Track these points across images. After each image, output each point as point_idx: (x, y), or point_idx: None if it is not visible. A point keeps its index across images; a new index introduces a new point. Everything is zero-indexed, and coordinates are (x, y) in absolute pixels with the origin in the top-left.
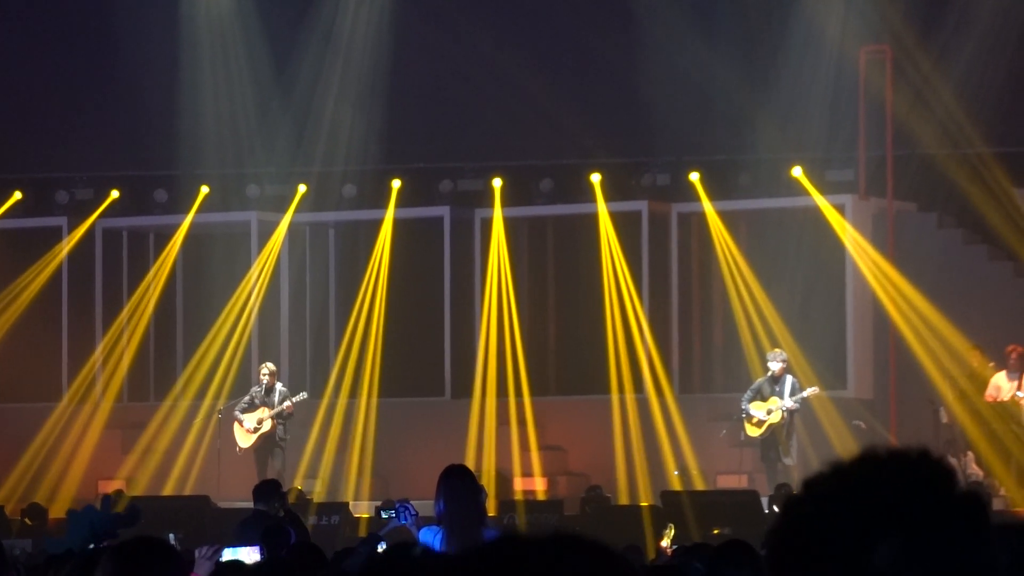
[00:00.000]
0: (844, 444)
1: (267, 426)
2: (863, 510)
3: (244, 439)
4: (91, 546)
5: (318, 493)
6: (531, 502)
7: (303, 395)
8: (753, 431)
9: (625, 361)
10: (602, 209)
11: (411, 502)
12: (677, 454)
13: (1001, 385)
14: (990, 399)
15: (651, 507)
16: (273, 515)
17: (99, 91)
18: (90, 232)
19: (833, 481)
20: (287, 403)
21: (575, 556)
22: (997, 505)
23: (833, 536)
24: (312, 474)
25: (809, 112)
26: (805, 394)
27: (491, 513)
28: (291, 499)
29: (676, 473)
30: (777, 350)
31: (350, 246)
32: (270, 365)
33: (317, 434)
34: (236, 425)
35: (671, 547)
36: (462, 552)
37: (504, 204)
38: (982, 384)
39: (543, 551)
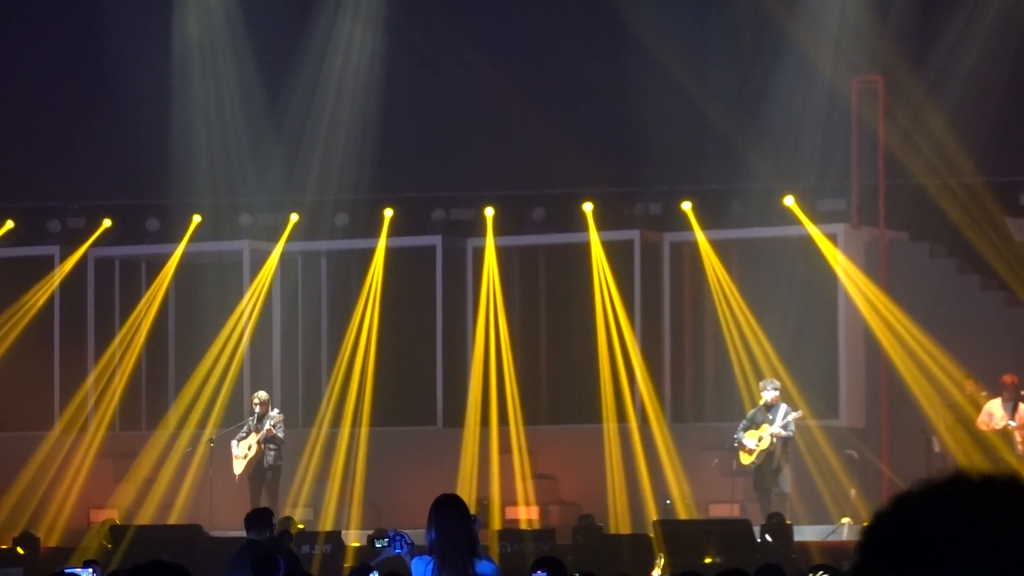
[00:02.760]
0: (836, 473)
1: (253, 451)
2: (960, 528)
3: (237, 466)
4: None
5: (309, 522)
6: (523, 531)
7: (279, 414)
8: (746, 459)
9: (617, 390)
10: (594, 238)
11: (406, 531)
12: (668, 484)
13: (994, 412)
14: (983, 425)
15: (643, 536)
16: (266, 544)
17: (91, 120)
18: (82, 261)
19: (927, 499)
20: (267, 426)
21: None
22: None
23: (930, 552)
24: (303, 503)
25: (801, 141)
26: (789, 418)
27: (484, 542)
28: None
29: (668, 503)
30: (770, 379)
31: (342, 275)
32: (261, 394)
33: (308, 463)
34: (232, 455)
35: None
36: None
37: (496, 233)
38: (976, 413)
39: None
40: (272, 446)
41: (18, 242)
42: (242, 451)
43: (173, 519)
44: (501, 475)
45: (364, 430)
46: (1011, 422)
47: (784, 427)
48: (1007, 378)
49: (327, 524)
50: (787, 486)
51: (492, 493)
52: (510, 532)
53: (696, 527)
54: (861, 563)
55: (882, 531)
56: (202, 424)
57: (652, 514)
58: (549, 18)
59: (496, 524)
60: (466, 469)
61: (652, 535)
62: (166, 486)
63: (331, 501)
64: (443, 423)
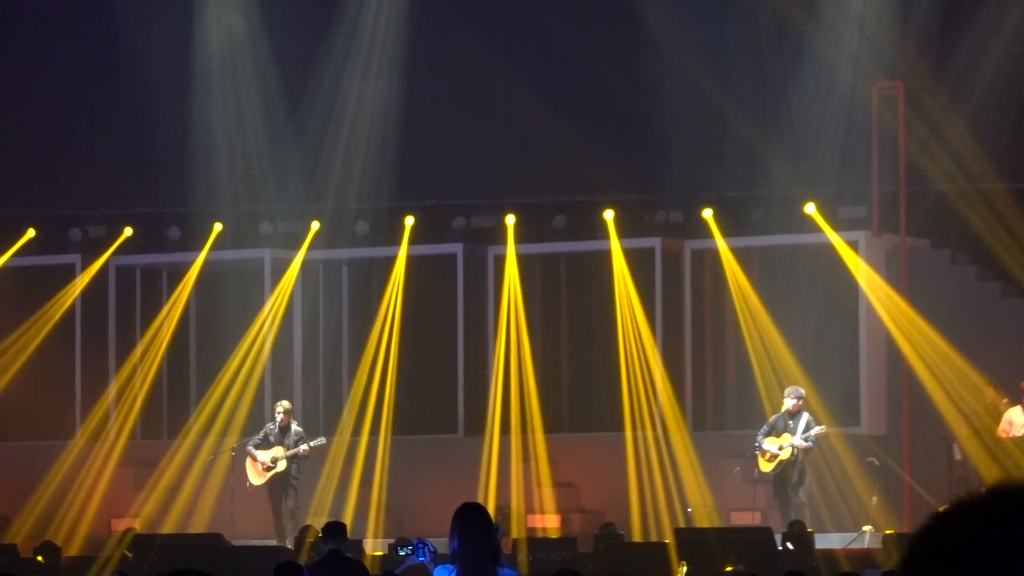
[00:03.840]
0: (857, 481)
1: (282, 466)
2: (1003, 542)
3: (256, 477)
4: None
5: None
6: (544, 539)
7: (321, 440)
8: (765, 466)
9: (638, 398)
10: (615, 246)
11: (429, 540)
12: (689, 491)
13: (1014, 420)
14: (1003, 434)
15: (665, 544)
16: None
17: (112, 129)
18: (103, 269)
19: (970, 514)
20: (304, 447)
21: None
22: None
23: (972, 565)
24: (325, 511)
25: (822, 148)
26: (813, 432)
27: (505, 551)
28: (311, 537)
29: (688, 511)
30: (795, 386)
31: (363, 283)
32: (285, 403)
33: (330, 471)
34: (248, 460)
35: None
36: None
37: (517, 241)
38: (997, 420)
39: None
40: (295, 461)
41: (39, 251)
42: (266, 461)
43: (194, 528)
44: (522, 483)
45: (385, 438)
46: None
47: (806, 439)
48: None
49: (349, 533)
50: (803, 495)
51: (513, 501)
52: (531, 541)
53: (717, 535)
54: None
55: (921, 555)
56: (223, 433)
57: (673, 522)
58: (569, 26)
59: (517, 532)
60: (487, 477)
61: (673, 543)
62: (187, 495)
63: (353, 509)
64: (464, 431)
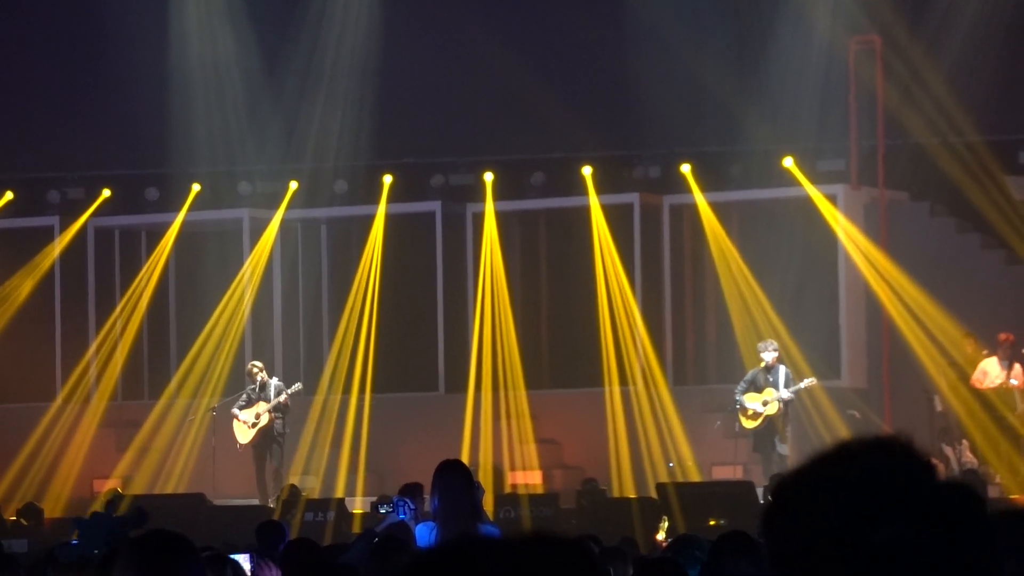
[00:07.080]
0: (838, 434)
1: (264, 420)
2: (864, 492)
3: (243, 435)
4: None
5: (313, 489)
6: (527, 496)
7: (298, 386)
8: (749, 423)
9: (619, 353)
10: (594, 202)
11: (409, 497)
12: (671, 446)
13: (989, 371)
14: (976, 383)
15: (646, 499)
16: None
17: (90, 90)
18: (82, 231)
19: (829, 466)
20: (283, 395)
21: (542, 558)
22: (992, 493)
23: (833, 514)
24: (307, 470)
25: (800, 102)
26: (803, 385)
27: (487, 508)
28: (285, 495)
29: (670, 465)
30: (768, 340)
31: (342, 242)
32: (257, 363)
33: (311, 430)
34: (235, 422)
35: (666, 539)
36: (427, 552)
37: (496, 198)
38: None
39: (509, 553)
40: (279, 414)
41: (18, 213)
42: (249, 419)
43: (176, 488)
44: (504, 440)
45: (366, 397)
46: (1013, 380)
47: (793, 393)
48: (1003, 336)
49: (331, 491)
50: (786, 448)
51: (495, 458)
52: (513, 497)
53: (699, 489)
54: (765, 530)
55: (785, 499)
56: (205, 393)
57: (655, 477)
58: None
59: (500, 489)
60: (469, 434)
61: (655, 498)
62: (169, 455)
63: (334, 468)
64: (445, 389)
